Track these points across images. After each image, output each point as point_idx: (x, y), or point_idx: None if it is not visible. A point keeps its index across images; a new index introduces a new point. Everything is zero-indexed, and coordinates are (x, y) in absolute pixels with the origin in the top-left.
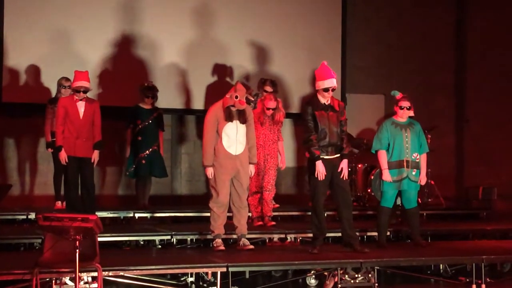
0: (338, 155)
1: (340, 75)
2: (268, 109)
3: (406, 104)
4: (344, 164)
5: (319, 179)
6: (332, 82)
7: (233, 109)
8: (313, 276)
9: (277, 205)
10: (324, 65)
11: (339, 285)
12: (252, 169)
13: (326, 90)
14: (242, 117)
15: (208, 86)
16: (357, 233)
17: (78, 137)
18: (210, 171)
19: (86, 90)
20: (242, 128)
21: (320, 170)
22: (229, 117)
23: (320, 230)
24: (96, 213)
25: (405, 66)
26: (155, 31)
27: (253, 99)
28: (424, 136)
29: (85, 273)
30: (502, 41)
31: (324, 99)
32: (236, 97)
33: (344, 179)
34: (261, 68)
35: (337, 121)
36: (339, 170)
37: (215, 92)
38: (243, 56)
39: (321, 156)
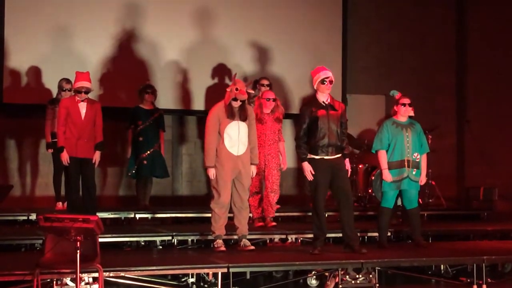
0: (339, 155)
1: (341, 75)
2: (268, 99)
3: (407, 100)
4: (348, 164)
5: (308, 178)
6: (326, 73)
7: (235, 105)
8: (314, 276)
9: (278, 206)
10: (318, 66)
11: (340, 286)
12: (253, 169)
13: (323, 82)
14: (243, 114)
15: (209, 87)
16: (358, 234)
17: (79, 138)
18: (212, 172)
19: (87, 91)
20: (244, 128)
21: (307, 170)
22: (231, 115)
23: (321, 230)
24: (97, 213)
25: (406, 66)
26: (156, 32)
27: (253, 92)
28: (425, 136)
29: (86, 274)
30: (502, 41)
31: (324, 98)
32: (237, 89)
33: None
34: (262, 69)
35: (337, 121)
36: (346, 168)
37: (215, 93)
38: (244, 57)
39: (320, 156)
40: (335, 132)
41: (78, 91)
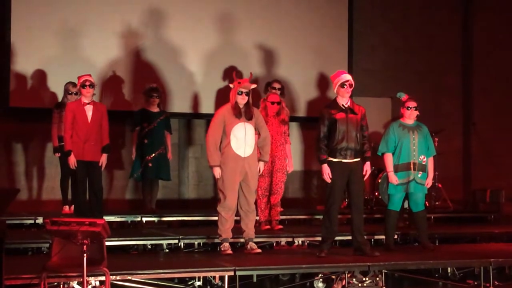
0: (358, 159)
1: None
2: (273, 103)
3: (412, 104)
4: (367, 166)
5: (326, 181)
6: (346, 76)
7: (241, 101)
8: (321, 279)
9: (282, 209)
10: (338, 70)
11: None
12: (261, 166)
13: (343, 85)
14: (248, 112)
15: (216, 90)
16: (365, 237)
17: (86, 141)
18: (217, 171)
19: (92, 84)
20: (250, 130)
21: (325, 172)
22: (238, 114)
23: (330, 233)
24: (104, 217)
25: (412, 69)
26: (162, 35)
27: (255, 85)
28: (431, 139)
29: (92, 277)
30: (509, 43)
31: (344, 101)
32: (239, 83)
33: (364, 179)
34: (268, 72)
35: (356, 125)
36: (364, 172)
37: (222, 96)
38: (250, 60)
39: (338, 159)
40: (354, 136)
41: (82, 85)
